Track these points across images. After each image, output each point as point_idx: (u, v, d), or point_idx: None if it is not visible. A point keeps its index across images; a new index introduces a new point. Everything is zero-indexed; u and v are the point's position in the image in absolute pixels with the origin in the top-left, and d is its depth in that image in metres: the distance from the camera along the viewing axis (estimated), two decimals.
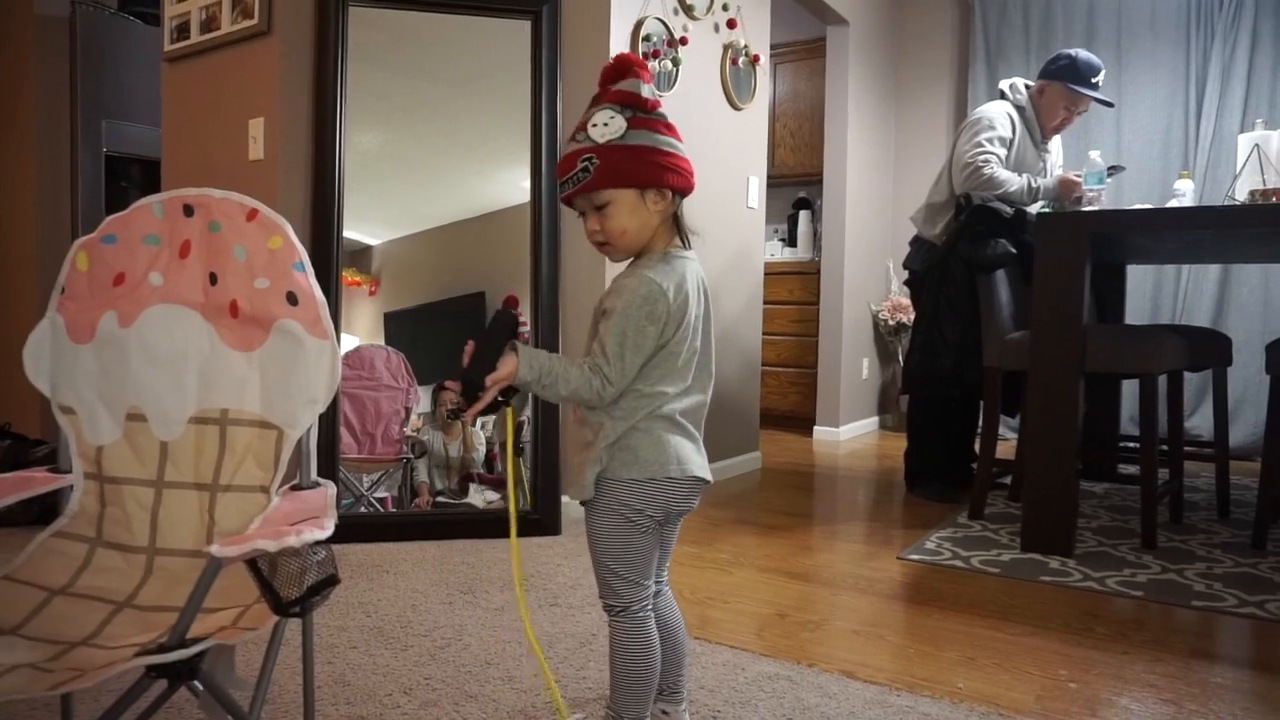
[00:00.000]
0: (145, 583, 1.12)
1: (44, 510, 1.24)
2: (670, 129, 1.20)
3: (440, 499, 2.62)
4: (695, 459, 1.23)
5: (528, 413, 2.62)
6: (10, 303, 3.74)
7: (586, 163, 1.15)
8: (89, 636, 1.01)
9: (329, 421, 2.47)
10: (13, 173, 3.70)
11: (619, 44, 2.79)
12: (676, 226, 1.23)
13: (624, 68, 1.20)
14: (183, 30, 2.86)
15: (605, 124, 1.16)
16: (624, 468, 1.19)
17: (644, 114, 1.17)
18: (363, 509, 2.56)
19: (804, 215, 5.11)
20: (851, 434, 4.71)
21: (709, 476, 1.25)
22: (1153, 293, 4.32)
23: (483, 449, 2.68)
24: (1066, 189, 3.06)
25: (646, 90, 1.17)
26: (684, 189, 1.21)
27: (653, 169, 1.16)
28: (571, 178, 1.17)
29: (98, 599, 1.08)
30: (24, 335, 1.17)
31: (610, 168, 1.15)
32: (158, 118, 3.02)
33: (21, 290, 3.67)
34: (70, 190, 3.66)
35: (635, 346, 1.14)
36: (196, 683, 0.89)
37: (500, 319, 1.18)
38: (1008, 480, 3.27)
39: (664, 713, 1.35)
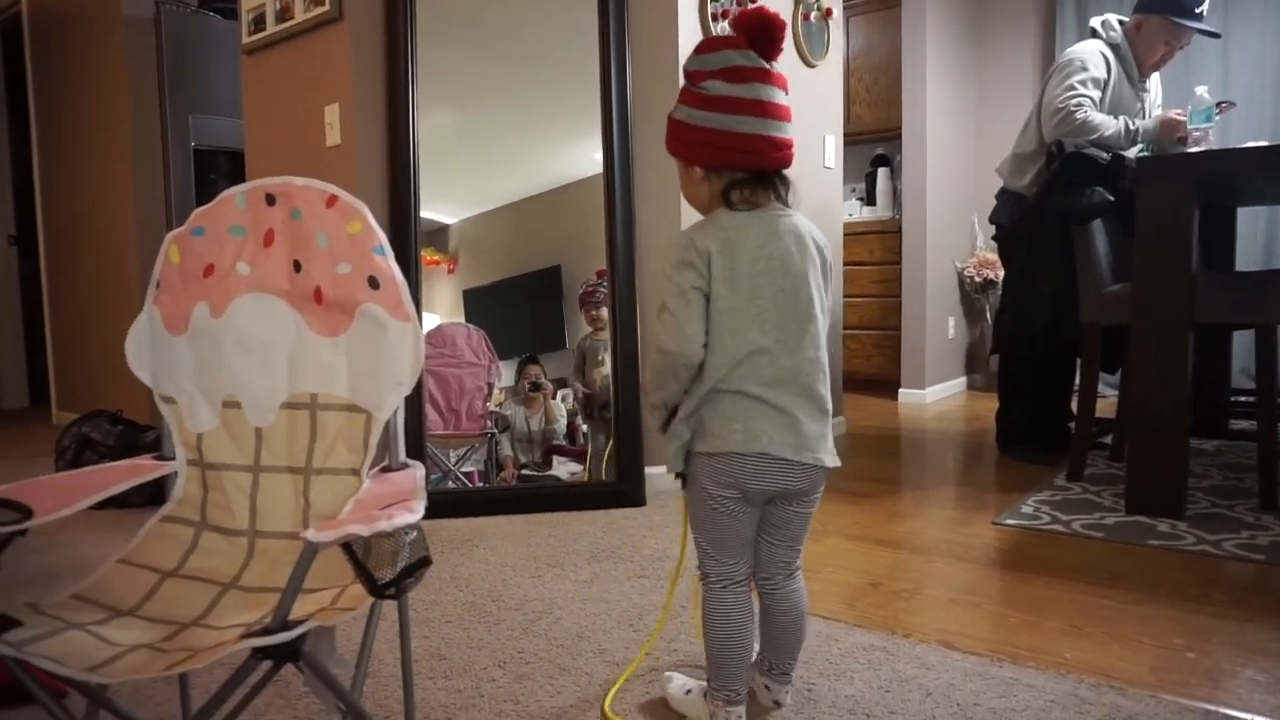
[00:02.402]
0: (248, 564, 1.15)
1: (154, 492, 1.29)
2: (705, 102, 1.16)
3: (525, 472, 2.66)
4: (769, 434, 1.13)
5: (607, 371, 2.62)
6: (115, 294, 3.93)
7: None
8: (199, 617, 1.05)
9: (414, 401, 2.52)
10: (112, 170, 3.88)
11: (687, 7, 2.72)
12: (725, 195, 1.18)
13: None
14: (259, 22, 2.92)
15: None
16: (698, 441, 1.19)
17: (687, 86, 1.19)
18: (450, 484, 2.61)
19: (883, 172, 4.95)
20: (938, 396, 4.58)
21: (789, 455, 1.13)
22: (1266, 236, 4.04)
23: (564, 420, 2.69)
24: (1168, 129, 2.86)
25: (694, 62, 1.18)
26: (700, 162, 1.19)
27: (670, 140, 1.22)
28: None
29: (205, 580, 1.12)
30: (128, 326, 1.21)
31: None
32: (240, 110, 3.11)
33: (125, 282, 3.86)
34: (164, 184, 3.81)
35: (675, 294, 1.14)
36: (301, 662, 0.91)
37: None
38: (1108, 440, 3.13)
39: (766, 688, 1.34)
